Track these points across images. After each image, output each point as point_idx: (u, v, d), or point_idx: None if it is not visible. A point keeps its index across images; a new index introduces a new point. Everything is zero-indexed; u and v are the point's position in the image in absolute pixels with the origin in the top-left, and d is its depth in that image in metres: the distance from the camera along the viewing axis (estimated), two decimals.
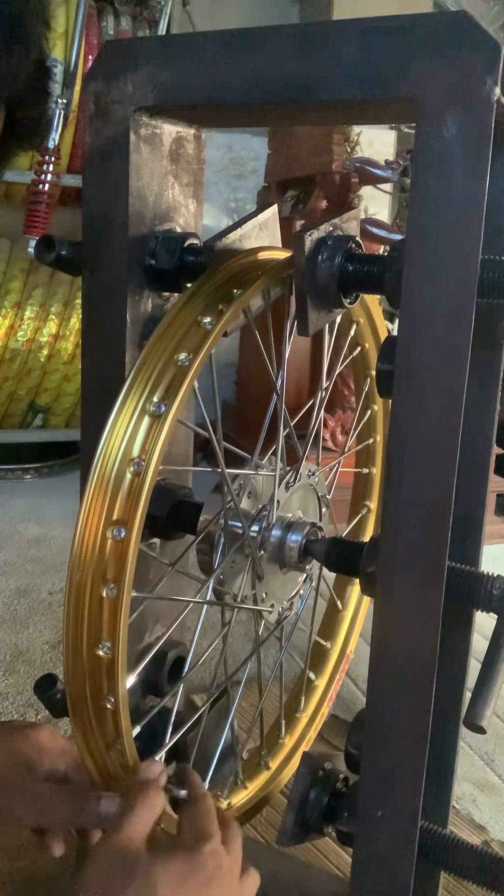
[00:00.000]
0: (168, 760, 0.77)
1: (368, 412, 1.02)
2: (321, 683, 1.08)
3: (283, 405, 0.81)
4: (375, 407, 1.02)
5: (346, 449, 0.98)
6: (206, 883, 0.62)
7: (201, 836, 0.64)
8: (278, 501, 0.82)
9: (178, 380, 0.65)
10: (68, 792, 0.70)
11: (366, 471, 1.06)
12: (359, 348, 0.97)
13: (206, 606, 0.79)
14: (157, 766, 0.68)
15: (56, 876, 0.96)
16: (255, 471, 0.81)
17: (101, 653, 0.63)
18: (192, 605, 0.81)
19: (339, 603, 1.09)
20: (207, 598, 0.78)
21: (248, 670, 0.89)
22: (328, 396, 0.93)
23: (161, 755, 0.74)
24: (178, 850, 0.63)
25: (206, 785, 0.83)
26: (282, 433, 0.81)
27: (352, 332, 0.94)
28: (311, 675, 1.07)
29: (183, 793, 0.69)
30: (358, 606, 1.11)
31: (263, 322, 0.77)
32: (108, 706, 0.64)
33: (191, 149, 0.80)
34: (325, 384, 0.87)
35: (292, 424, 0.83)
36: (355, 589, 1.10)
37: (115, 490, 0.63)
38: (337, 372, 0.92)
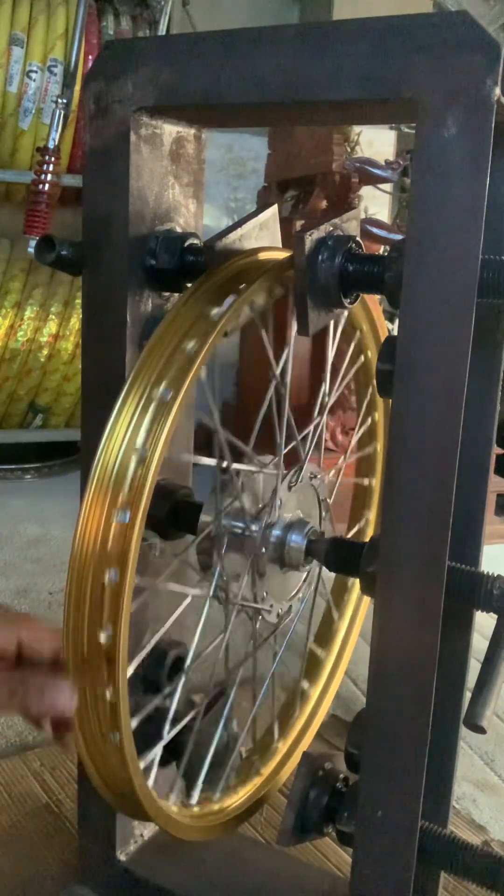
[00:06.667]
0: (166, 759, 0.78)
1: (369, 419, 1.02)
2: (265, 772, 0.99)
3: (288, 398, 0.81)
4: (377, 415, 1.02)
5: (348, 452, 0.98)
6: None
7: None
8: (280, 499, 0.82)
9: (184, 368, 0.65)
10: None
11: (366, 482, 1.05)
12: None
13: (206, 604, 0.79)
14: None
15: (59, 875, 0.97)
16: (258, 469, 0.81)
17: (102, 639, 0.63)
18: (190, 601, 0.81)
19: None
20: (206, 594, 0.78)
21: (246, 670, 0.89)
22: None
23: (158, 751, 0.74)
24: None
25: (200, 785, 0.82)
26: (283, 428, 0.81)
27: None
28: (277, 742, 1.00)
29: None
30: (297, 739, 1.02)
31: (264, 321, 0.77)
32: (108, 696, 0.64)
33: (191, 149, 0.80)
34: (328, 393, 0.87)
35: (293, 423, 0.83)
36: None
37: (119, 477, 0.63)
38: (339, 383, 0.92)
